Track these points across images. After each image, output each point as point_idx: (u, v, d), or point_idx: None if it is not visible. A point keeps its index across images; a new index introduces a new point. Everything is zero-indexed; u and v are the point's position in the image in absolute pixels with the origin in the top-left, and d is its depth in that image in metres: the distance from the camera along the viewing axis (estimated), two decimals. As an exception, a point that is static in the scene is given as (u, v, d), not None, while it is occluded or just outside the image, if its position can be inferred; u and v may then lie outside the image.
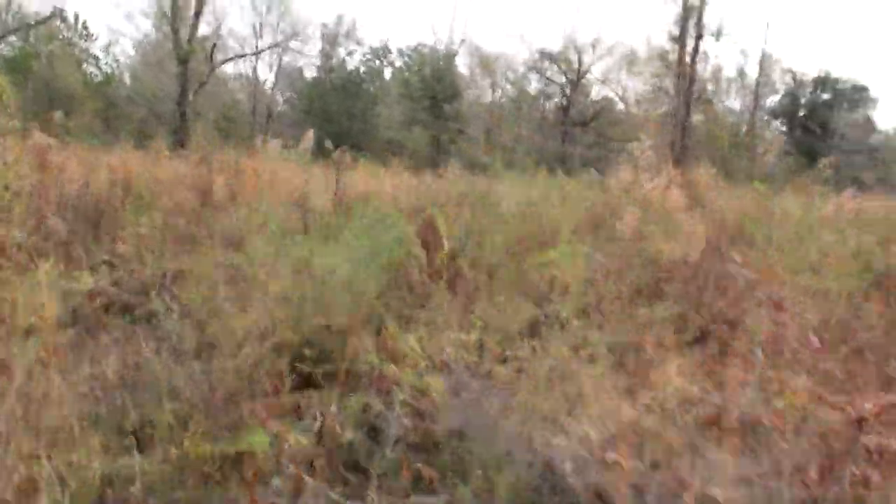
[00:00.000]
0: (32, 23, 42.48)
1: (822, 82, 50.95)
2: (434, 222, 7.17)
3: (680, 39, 18.97)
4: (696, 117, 36.46)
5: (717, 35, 19.05)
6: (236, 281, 6.59)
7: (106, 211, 8.63)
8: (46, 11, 43.56)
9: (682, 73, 18.80)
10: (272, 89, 51.25)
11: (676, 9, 19.87)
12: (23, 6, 43.56)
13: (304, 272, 6.34)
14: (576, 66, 47.47)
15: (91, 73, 47.99)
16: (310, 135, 15.71)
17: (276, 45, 44.65)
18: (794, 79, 51.63)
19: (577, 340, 5.10)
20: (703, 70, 19.09)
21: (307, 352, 5.30)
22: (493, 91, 52.97)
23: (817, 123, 49.35)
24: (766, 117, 53.49)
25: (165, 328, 5.40)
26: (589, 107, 49.13)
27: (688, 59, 19.05)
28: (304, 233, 8.48)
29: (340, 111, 45.15)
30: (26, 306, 4.36)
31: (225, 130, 46.97)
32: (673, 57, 21.03)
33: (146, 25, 47.87)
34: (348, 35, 48.25)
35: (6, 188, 6.81)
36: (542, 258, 6.84)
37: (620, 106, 51.97)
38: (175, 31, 34.05)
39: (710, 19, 19.30)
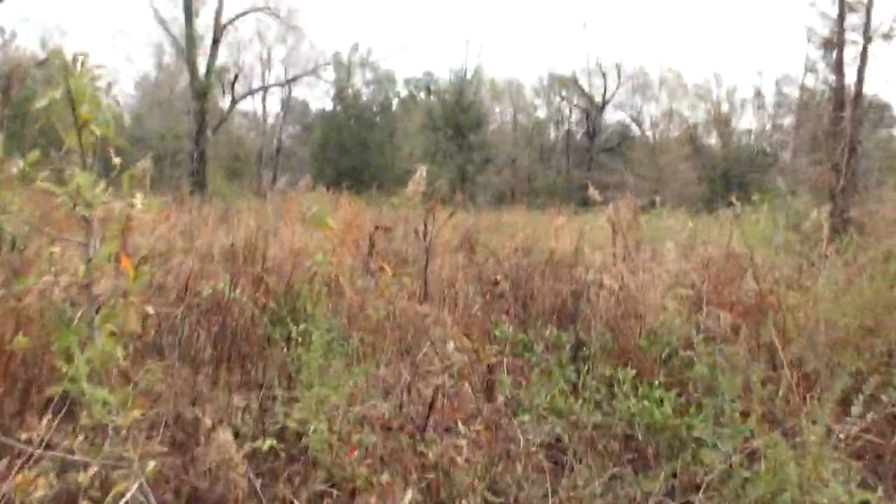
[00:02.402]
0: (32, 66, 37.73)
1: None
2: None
3: (838, 43, 14.21)
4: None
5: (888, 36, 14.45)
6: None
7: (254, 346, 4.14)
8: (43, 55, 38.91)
9: (840, 83, 14.09)
10: (281, 125, 46.60)
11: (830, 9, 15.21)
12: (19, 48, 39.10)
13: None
14: (600, 89, 43.33)
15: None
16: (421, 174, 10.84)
17: (295, 78, 39.85)
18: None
19: None
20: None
21: None
22: (502, 119, 48.83)
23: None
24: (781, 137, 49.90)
25: None
26: (611, 131, 44.98)
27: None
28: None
29: (355, 144, 40.65)
30: None
31: (235, 170, 42.36)
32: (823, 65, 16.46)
33: (147, 65, 43.36)
34: (363, 64, 43.52)
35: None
36: None
37: (635, 130, 48.10)
38: (191, 63, 29.25)
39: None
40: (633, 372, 4.36)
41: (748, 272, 6.13)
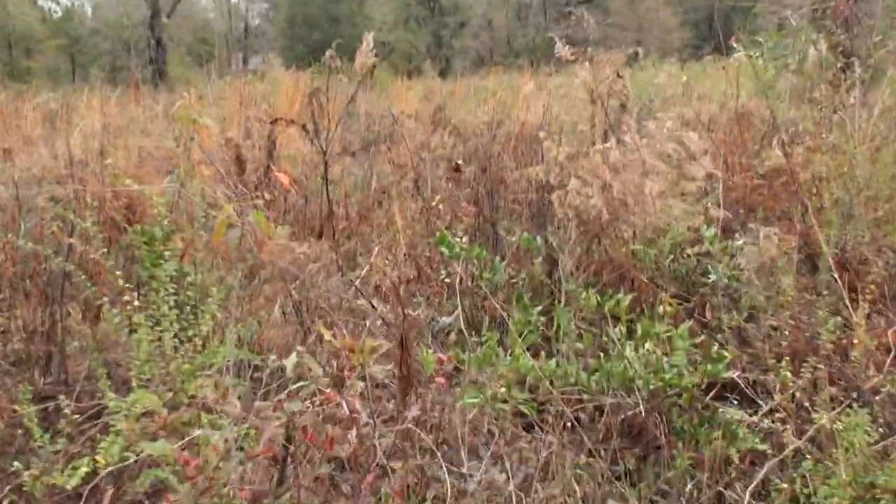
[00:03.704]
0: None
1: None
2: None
3: None
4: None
5: None
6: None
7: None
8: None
9: None
10: (245, 3, 44.05)
11: None
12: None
13: None
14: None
15: (49, 8, 41.08)
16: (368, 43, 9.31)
17: (250, -50, 37.12)
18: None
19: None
20: None
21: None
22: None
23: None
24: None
25: None
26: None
27: None
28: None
29: (324, 17, 38.32)
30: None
31: (202, 55, 40.04)
32: None
33: (102, -48, 40.90)
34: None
35: None
36: None
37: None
38: (136, -56, 26.85)
39: None
40: (628, 299, 3.05)
41: (769, 136, 4.74)
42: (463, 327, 3.11)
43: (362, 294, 2.87)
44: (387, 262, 4.16)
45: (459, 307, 3.31)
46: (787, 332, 2.60)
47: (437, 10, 36.47)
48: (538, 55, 32.16)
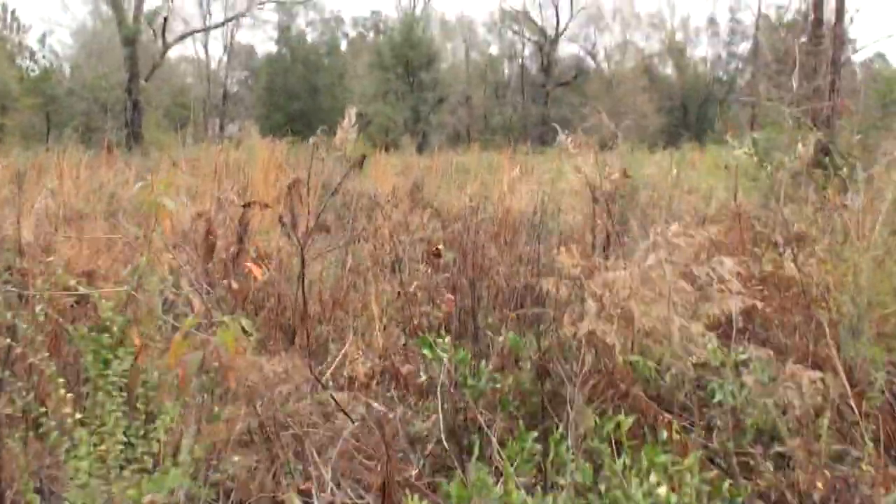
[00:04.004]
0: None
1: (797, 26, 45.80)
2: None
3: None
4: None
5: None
6: None
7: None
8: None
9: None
10: (225, 70, 44.18)
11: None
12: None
13: None
14: (552, 22, 41.37)
15: (27, 67, 40.96)
16: (350, 118, 9.03)
17: (232, 18, 37.31)
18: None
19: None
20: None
21: None
22: (455, 57, 46.82)
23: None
24: (739, 64, 48.70)
25: None
26: (565, 64, 43.14)
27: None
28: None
29: (303, 88, 38.49)
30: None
31: (178, 119, 39.97)
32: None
33: (83, 13, 40.79)
34: (306, 4, 41.03)
35: None
36: None
37: (590, 64, 46.36)
38: (117, 8, 26.80)
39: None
40: (630, 420, 2.75)
41: (766, 237, 4.54)
42: (443, 437, 2.86)
43: (337, 404, 2.57)
44: (360, 352, 3.86)
45: (440, 415, 3.04)
46: (819, 485, 2.32)
47: (416, 84, 36.74)
48: (515, 133, 32.39)
